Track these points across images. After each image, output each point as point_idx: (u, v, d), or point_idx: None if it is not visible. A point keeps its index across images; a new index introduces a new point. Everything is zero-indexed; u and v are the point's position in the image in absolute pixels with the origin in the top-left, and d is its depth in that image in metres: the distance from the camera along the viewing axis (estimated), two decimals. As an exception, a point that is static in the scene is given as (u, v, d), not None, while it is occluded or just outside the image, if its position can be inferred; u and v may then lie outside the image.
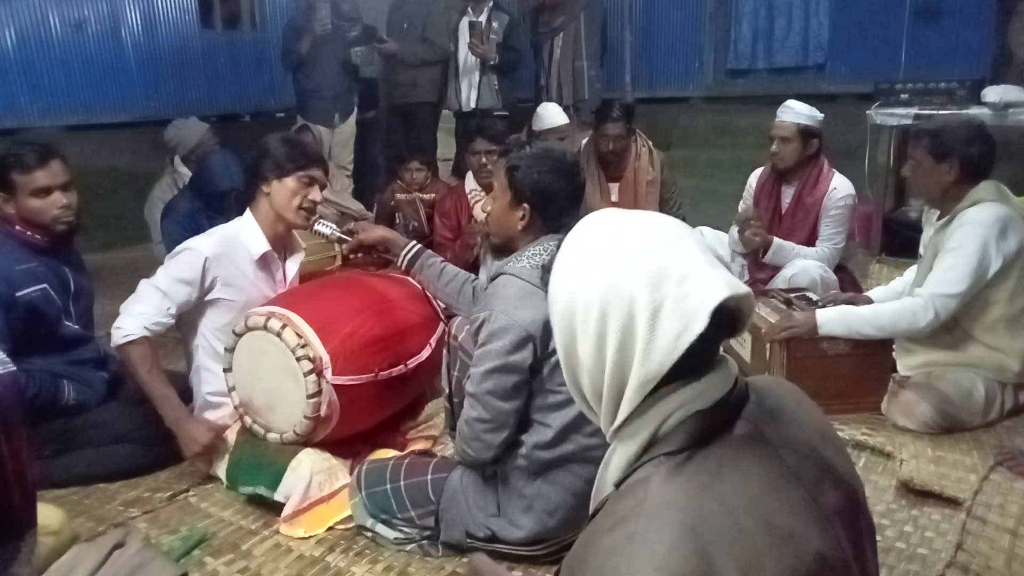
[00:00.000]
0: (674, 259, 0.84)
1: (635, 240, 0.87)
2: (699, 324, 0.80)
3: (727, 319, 0.85)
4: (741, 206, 3.53)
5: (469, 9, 4.79)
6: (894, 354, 2.52)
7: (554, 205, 1.74)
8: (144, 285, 2.13)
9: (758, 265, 3.39)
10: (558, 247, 1.77)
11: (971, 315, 2.33)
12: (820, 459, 0.88)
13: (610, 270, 0.85)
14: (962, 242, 2.26)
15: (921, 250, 2.55)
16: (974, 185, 2.33)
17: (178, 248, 2.18)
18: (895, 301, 2.42)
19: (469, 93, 4.87)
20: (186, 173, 3.96)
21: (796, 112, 3.18)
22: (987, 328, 2.32)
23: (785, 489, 0.82)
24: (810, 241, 3.27)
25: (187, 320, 2.19)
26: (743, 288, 0.85)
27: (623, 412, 0.86)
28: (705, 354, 0.85)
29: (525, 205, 1.74)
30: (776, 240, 3.22)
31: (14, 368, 0.72)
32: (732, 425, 0.85)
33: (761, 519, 0.78)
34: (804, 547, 0.79)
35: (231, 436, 2.15)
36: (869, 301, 2.58)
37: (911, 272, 2.64)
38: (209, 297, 2.15)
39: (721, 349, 0.90)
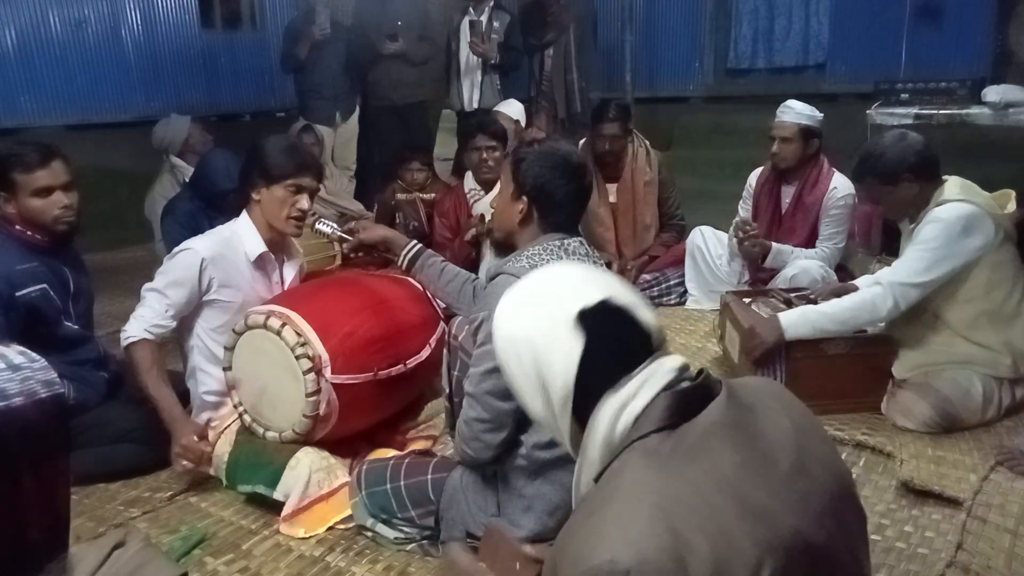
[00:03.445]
0: (558, 295, 0.97)
1: (533, 290, 1.01)
2: (574, 339, 0.92)
3: (614, 322, 0.94)
4: (740, 206, 3.53)
5: (470, 8, 4.79)
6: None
7: (553, 202, 1.73)
8: (145, 290, 2.15)
9: (757, 266, 3.40)
10: (560, 247, 1.77)
11: (952, 313, 2.34)
12: (800, 448, 0.90)
13: (514, 322, 1.00)
14: (926, 237, 2.28)
15: (899, 254, 2.55)
16: (937, 183, 2.34)
17: (176, 249, 2.18)
18: (855, 294, 2.43)
19: (471, 93, 4.87)
20: (184, 167, 3.99)
21: (797, 112, 3.18)
22: (970, 325, 2.33)
23: (759, 471, 0.85)
24: (810, 241, 3.27)
25: (183, 321, 2.18)
26: (604, 295, 0.95)
27: (563, 431, 0.97)
28: (623, 357, 0.92)
29: (524, 198, 1.75)
30: (775, 245, 3.23)
31: (61, 390, 0.71)
32: (701, 411, 0.89)
33: (732, 497, 0.81)
34: (778, 523, 0.81)
35: (228, 436, 2.14)
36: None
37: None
38: (206, 298, 2.16)
39: (657, 345, 0.97)
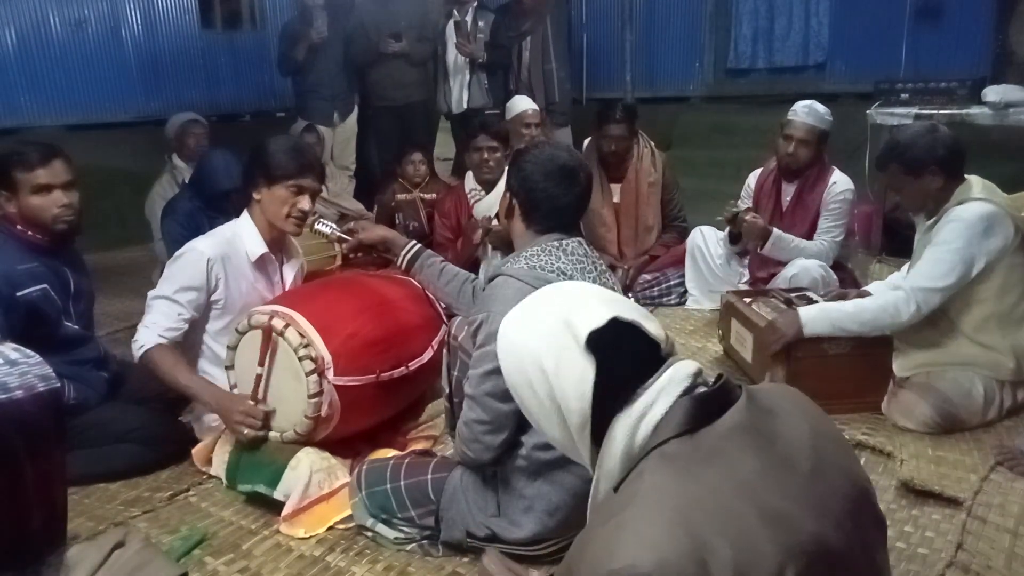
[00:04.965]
0: (563, 319, 0.95)
1: (537, 315, 0.99)
2: (586, 363, 0.91)
3: (623, 340, 0.93)
4: (739, 205, 3.51)
5: (454, 11, 4.81)
6: (892, 355, 2.51)
7: (532, 200, 1.73)
8: (152, 298, 2.14)
9: (758, 265, 3.40)
10: (558, 247, 1.77)
11: (961, 313, 2.33)
12: (818, 452, 0.89)
13: (522, 350, 0.98)
14: (947, 238, 2.26)
15: (914, 250, 2.55)
16: (960, 181, 2.33)
17: (179, 252, 2.18)
18: (878, 296, 2.42)
19: (460, 94, 4.89)
20: (183, 167, 4.00)
21: (820, 116, 3.17)
22: (978, 326, 2.32)
23: (777, 475, 0.85)
24: (809, 237, 3.27)
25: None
26: (609, 313, 0.93)
27: (583, 452, 0.95)
28: (636, 372, 0.92)
29: (507, 194, 1.79)
30: (775, 231, 3.20)
31: (57, 385, 0.72)
32: (720, 416, 0.88)
33: (751, 501, 0.80)
34: (798, 527, 0.81)
35: (229, 435, 2.14)
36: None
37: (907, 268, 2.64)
38: (212, 298, 2.16)
39: (667, 353, 0.96)
